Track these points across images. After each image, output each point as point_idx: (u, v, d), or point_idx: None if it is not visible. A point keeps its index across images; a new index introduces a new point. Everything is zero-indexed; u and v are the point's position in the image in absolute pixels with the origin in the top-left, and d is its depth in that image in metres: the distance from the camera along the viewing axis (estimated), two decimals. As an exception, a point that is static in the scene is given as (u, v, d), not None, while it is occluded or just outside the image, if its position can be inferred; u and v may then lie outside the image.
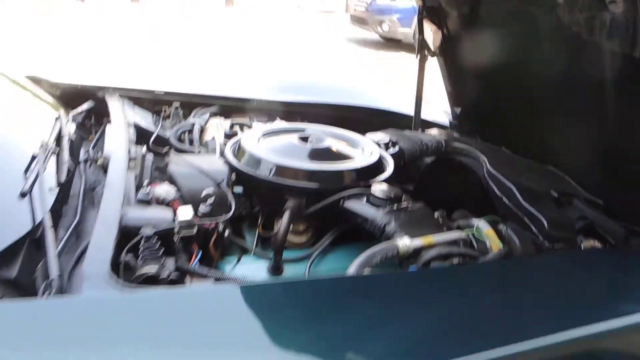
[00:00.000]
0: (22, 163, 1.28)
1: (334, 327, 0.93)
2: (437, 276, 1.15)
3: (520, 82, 1.76)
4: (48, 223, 1.06)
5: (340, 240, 1.44)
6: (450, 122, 2.19)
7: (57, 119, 1.62)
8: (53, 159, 1.37)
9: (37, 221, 1.11)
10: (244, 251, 1.41)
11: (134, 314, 0.88)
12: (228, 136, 1.72)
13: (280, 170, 1.39)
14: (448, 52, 2.06)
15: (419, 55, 2.10)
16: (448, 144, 1.77)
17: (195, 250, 1.21)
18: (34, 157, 1.29)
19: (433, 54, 2.08)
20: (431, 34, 2.10)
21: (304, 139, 1.55)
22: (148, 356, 0.81)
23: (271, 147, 1.51)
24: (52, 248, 1.01)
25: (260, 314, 0.93)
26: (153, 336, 0.84)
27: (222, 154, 1.55)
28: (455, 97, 2.15)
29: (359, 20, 8.79)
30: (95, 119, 1.95)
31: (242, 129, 1.87)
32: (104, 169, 1.45)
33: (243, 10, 8.73)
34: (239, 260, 1.35)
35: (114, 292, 0.90)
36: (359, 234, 1.41)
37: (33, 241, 1.08)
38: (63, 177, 1.30)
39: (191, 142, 1.82)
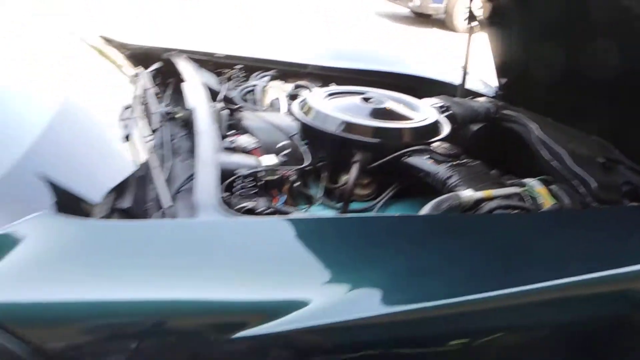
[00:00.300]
0: (113, 113, 1.42)
1: (402, 260, 1.06)
2: (497, 221, 1.27)
3: (567, 55, 1.84)
4: (155, 162, 1.20)
5: (399, 196, 1.56)
6: (495, 92, 2.28)
7: (136, 75, 1.75)
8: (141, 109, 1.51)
9: (141, 161, 1.25)
10: (311, 201, 1.54)
11: (244, 235, 1.03)
12: (291, 97, 1.84)
13: (349, 126, 1.51)
14: (497, 23, 2.14)
15: (468, 25, 2.18)
16: (497, 110, 1.87)
17: (276, 194, 1.35)
18: (128, 107, 1.43)
19: (482, 25, 2.15)
20: (481, 5, 2.18)
21: (366, 100, 1.66)
22: (257, 268, 0.97)
23: (336, 106, 1.62)
24: (161, 182, 1.15)
25: (339, 243, 1.09)
26: (258, 251, 1.01)
27: (289, 112, 1.67)
28: (502, 68, 2.23)
29: (391, -5, 8.79)
30: (161, 79, 2.08)
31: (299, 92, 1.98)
32: (184, 122, 1.59)
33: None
34: (308, 208, 1.47)
35: (226, 218, 1.05)
36: (417, 190, 1.53)
37: (138, 178, 1.23)
38: (154, 125, 1.44)
39: (254, 102, 1.94)
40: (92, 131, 1.30)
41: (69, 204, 1.06)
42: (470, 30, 2.18)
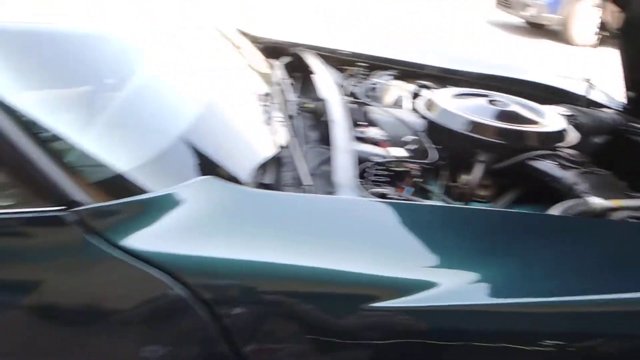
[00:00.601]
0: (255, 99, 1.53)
1: (526, 255, 1.09)
2: (623, 228, 1.26)
3: None
4: (295, 144, 1.30)
5: (517, 201, 1.56)
6: (622, 106, 2.20)
7: (271, 66, 1.87)
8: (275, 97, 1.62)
9: (281, 143, 1.35)
10: (429, 197, 1.58)
11: (381, 215, 1.11)
12: (414, 95, 1.89)
13: (477, 126, 1.54)
14: (629, 35, 2.07)
15: (597, 36, 2.13)
16: (625, 123, 1.82)
17: (401, 185, 1.40)
18: (267, 94, 1.54)
19: (613, 36, 2.09)
20: (613, 16, 2.12)
21: (492, 102, 1.68)
22: (391, 247, 1.05)
23: (462, 106, 1.66)
24: (302, 163, 1.24)
25: (467, 232, 1.14)
26: (393, 231, 1.09)
27: (415, 109, 1.73)
28: (631, 82, 2.15)
29: (504, 4, 8.58)
30: (289, 72, 2.20)
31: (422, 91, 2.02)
32: (312, 112, 1.69)
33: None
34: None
35: (365, 199, 1.12)
36: (537, 196, 1.53)
37: (277, 159, 1.33)
38: (289, 113, 1.54)
39: (375, 99, 2.01)
40: (239, 114, 1.42)
41: (221, 175, 1.18)
42: (599, 41, 2.13)
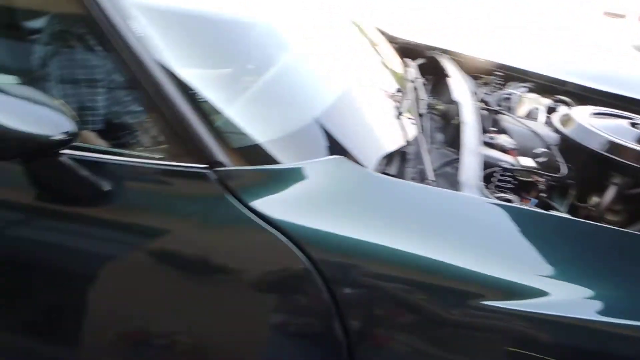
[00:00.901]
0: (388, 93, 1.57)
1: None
2: None
3: None
4: (422, 140, 1.32)
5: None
6: None
7: (406, 66, 1.90)
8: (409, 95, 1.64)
9: (409, 138, 1.38)
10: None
11: (504, 218, 1.10)
12: (550, 109, 1.83)
13: (615, 147, 1.46)
14: None
15: None
16: None
17: (526, 196, 1.37)
18: (399, 90, 1.57)
19: None
20: None
21: (635, 125, 1.59)
22: (509, 249, 1.05)
23: (601, 125, 1.58)
24: (427, 158, 1.26)
25: (585, 247, 1.11)
26: (512, 235, 1.09)
27: (549, 122, 1.67)
28: None
29: (658, 30, 7.96)
30: (421, 73, 2.21)
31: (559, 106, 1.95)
32: (442, 114, 1.69)
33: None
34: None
35: (490, 199, 1.12)
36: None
37: (403, 152, 1.35)
38: (420, 111, 1.56)
39: (508, 109, 1.96)
40: (371, 105, 1.47)
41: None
42: None
